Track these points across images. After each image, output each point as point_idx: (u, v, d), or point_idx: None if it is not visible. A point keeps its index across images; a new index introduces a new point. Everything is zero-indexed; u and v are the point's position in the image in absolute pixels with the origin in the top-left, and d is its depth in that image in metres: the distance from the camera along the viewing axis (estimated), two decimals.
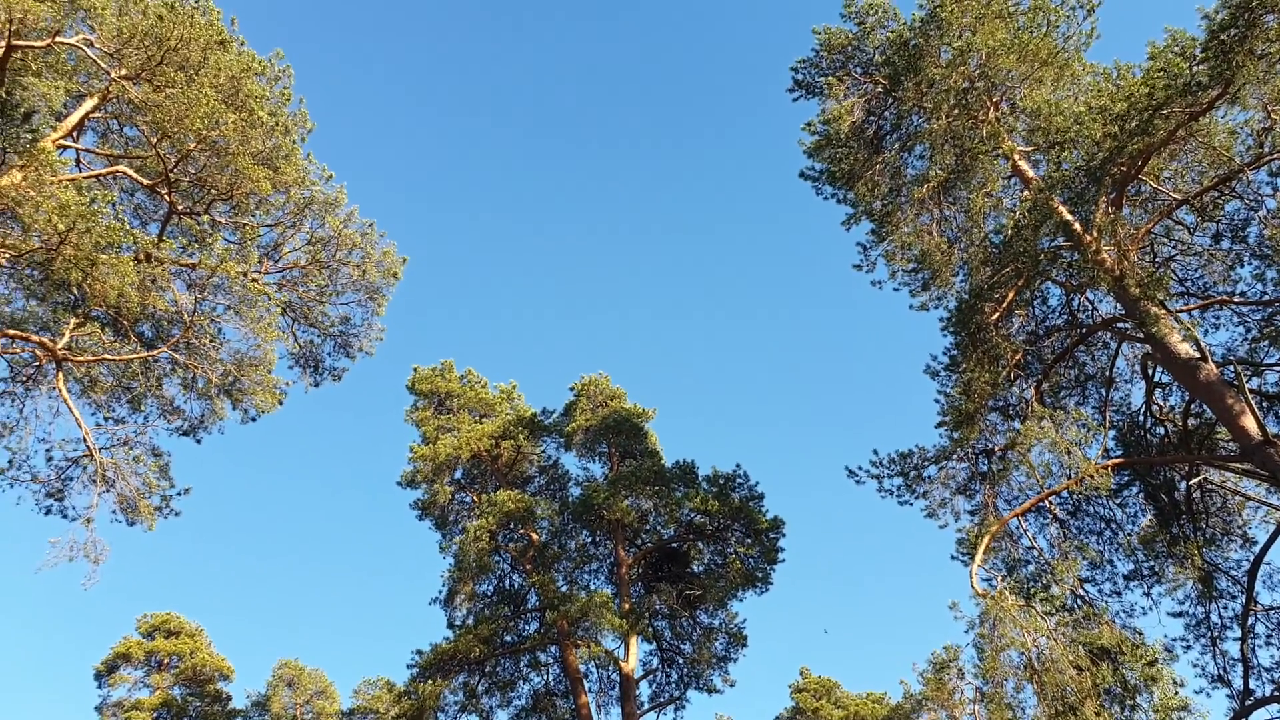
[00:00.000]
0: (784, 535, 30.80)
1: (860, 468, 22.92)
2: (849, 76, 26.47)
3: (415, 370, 36.70)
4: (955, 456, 22.09)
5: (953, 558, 21.03)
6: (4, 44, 16.77)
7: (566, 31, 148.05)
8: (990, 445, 22.26)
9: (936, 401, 22.31)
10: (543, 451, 36.95)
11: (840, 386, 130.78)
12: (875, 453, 22.83)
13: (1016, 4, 21.61)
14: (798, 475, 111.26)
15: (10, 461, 19.91)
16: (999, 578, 19.01)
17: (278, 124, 19.90)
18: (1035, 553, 21.17)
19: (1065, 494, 20.99)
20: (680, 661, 32.15)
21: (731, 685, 31.11)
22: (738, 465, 32.31)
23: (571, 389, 37.45)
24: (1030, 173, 21.93)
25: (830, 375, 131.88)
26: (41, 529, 46.08)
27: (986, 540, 19.34)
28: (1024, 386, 22.39)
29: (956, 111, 21.88)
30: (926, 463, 22.45)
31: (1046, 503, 21.02)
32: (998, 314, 21.00)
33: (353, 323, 23.75)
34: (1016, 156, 21.78)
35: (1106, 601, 21.07)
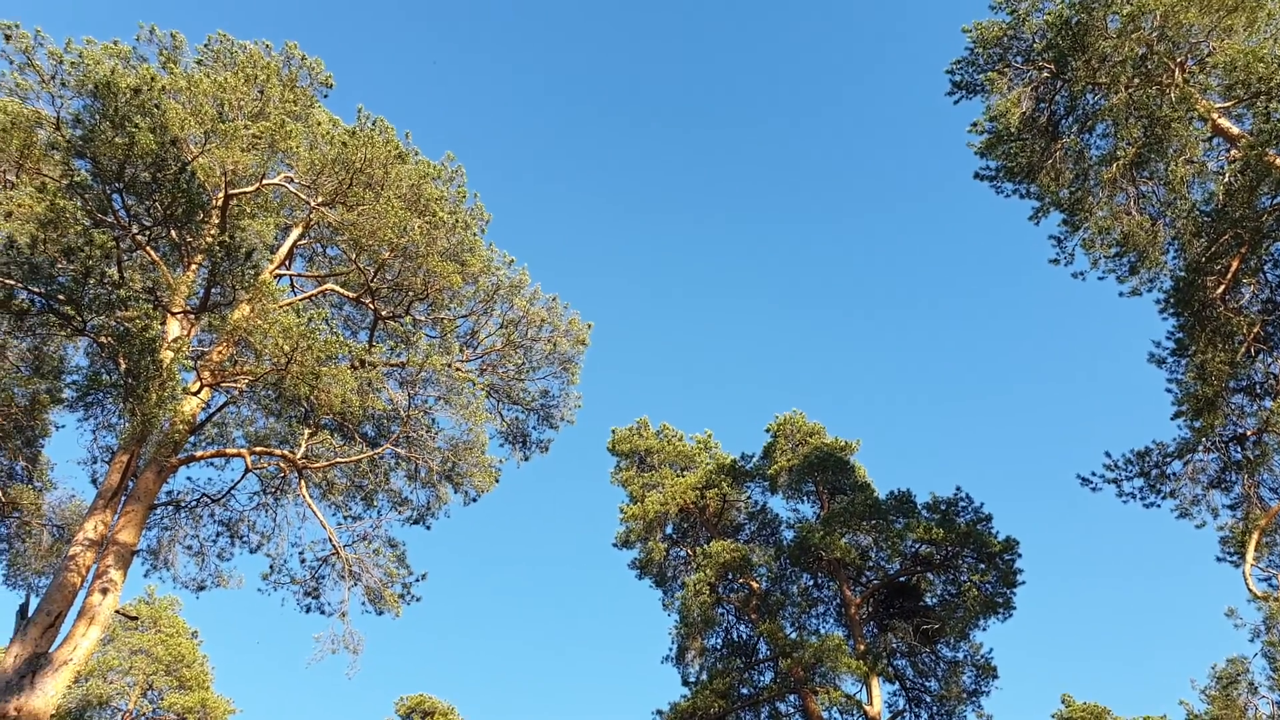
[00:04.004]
0: (1020, 556, 29.00)
1: (1094, 473, 21.42)
2: (1009, 68, 25.33)
3: (614, 432, 37.52)
4: (1201, 448, 20.26)
5: (1219, 559, 19.18)
6: (223, 194, 18.82)
7: (732, 95, 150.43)
8: (1240, 430, 20.25)
9: (1168, 391, 20.58)
10: (748, 497, 36.68)
11: (1049, 392, 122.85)
12: (1108, 455, 21.31)
13: None
14: (1025, 490, 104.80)
15: (271, 567, 21.84)
16: (1279, 576, 17.06)
17: (458, 221, 21.16)
18: None
19: None
20: (928, 700, 30.63)
21: None
22: (958, 488, 30.91)
23: (767, 430, 37.11)
24: (1234, 130, 20.11)
25: (1036, 381, 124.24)
26: (304, 626, 50.10)
27: (1256, 536, 17.47)
28: (1269, 361, 20.28)
29: (1137, 81, 20.44)
30: (1168, 458, 20.69)
31: None
32: (1223, 286, 19.23)
33: (551, 394, 24.67)
34: (1215, 115, 20.05)
35: None
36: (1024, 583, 28.96)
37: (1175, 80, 20.51)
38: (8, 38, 18.37)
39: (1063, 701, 41.04)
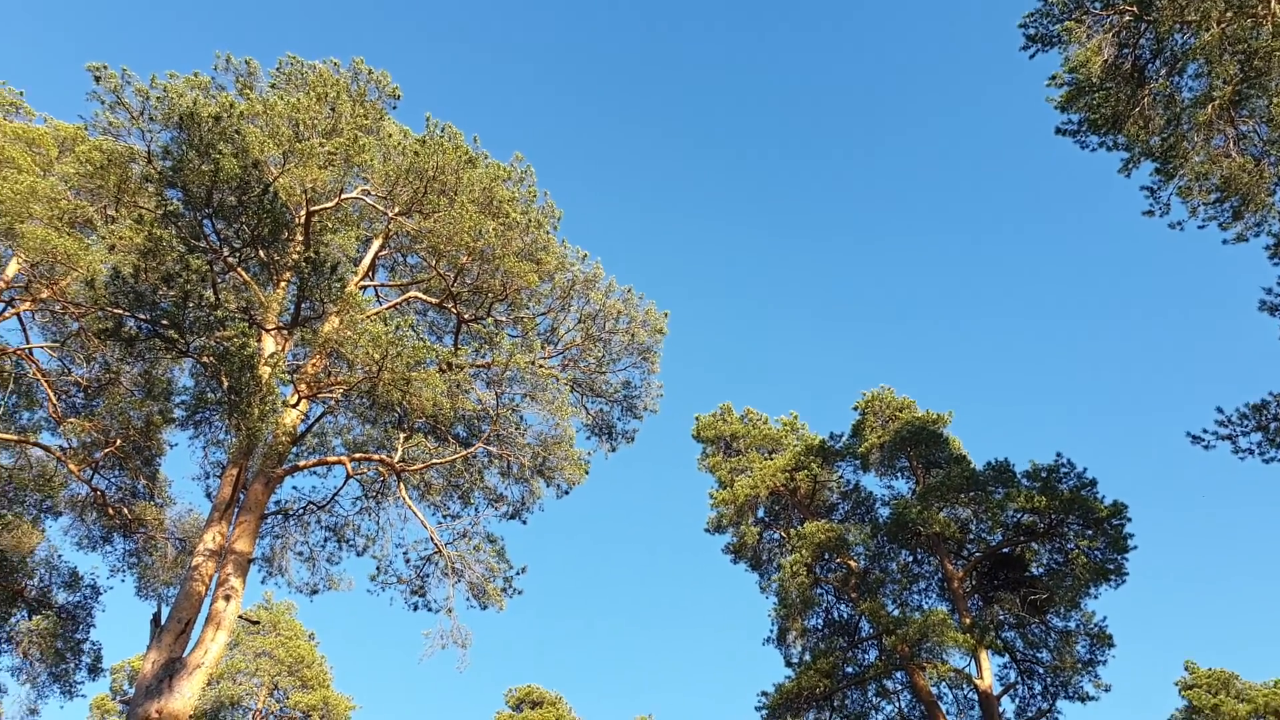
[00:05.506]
0: (1129, 520, 28.00)
1: (1205, 430, 20.62)
2: (1087, 15, 24.33)
3: (697, 419, 37.49)
4: None
5: None
6: (304, 212, 19.50)
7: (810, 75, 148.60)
8: None
9: None
10: (840, 476, 36.25)
11: (1150, 350, 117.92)
12: (1220, 410, 20.47)
13: None
14: (1131, 455, 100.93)
15: (378, 568, 22.55)
16: None
17: (530, 220, 21.45)
18: None
19: None
20: (1040, 671, 29.88)
21: (1106, 690, 28.47)
22: (1059, 454, 29.96)
23: (855, 408, 36.62)
24: None
25: (1136, 338, 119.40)
26: (413, 623, 51.82)
27: None
28: None
29: (1229, 15, 19.42)
30: None
31: None
32: None
33: (633, 385, 24.85)
34: None
35: None
36: (1135, 548, 27.99)
37: (1272, 10, 19.45)
38: (98, 79, 19.35)
39: (1186, 669, 39.55)
